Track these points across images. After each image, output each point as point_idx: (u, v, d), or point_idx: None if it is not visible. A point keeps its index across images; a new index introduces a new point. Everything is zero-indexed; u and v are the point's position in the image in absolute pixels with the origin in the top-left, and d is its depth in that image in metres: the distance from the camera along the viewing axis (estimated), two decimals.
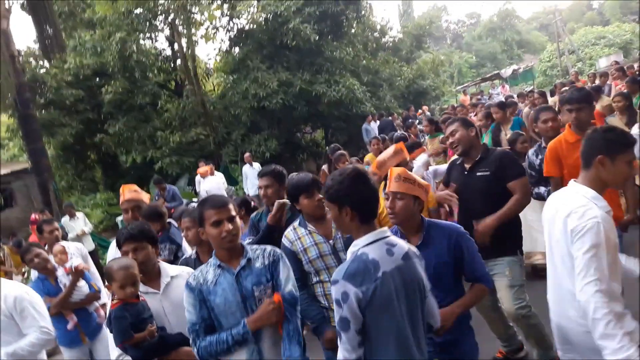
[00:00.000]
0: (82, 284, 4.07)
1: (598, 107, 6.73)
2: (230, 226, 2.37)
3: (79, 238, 9.42)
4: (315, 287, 3.16)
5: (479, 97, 20.54)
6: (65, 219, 10.01)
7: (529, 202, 3.52)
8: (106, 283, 2.71)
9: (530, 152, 4.34)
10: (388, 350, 2.00)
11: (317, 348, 3.26)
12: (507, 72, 29.10)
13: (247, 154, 13.01)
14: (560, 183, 3.67)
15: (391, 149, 3.69)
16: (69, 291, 3.99)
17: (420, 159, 5.23)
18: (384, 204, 3.41)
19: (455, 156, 4.17)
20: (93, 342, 4.19)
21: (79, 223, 10.02)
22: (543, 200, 4.00)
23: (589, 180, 2.28)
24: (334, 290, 2.00)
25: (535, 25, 55.94)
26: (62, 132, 16.19)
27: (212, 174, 11.22)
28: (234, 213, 2.42)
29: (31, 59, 18.46)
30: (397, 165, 3.44)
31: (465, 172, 3.58)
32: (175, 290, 2.75)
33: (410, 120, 13.33)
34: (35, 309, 3.25)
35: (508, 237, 3.44)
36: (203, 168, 11.21)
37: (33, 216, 9.94)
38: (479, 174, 3.45)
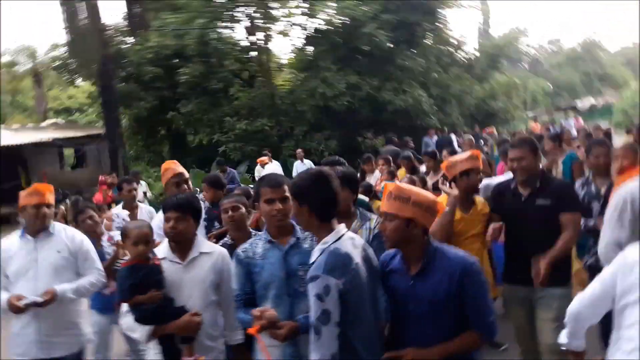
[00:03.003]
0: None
1: None
2: (280, 206, 2.47)
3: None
4: None
5: (548, 127, 19.75)
6: None
7: (577, 239, 3.30)
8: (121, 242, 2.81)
9: (577, 183, 4.27)
10: (362, 333, 2.13)
11: None
12: (584, 105, 27.91)
13: (299, 150, 13.25)
14: None
15: (467, 153, 3.53)
16: (110, 263, 3.88)
17: None
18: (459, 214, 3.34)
19: (503, 177, 4.04)
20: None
21: (140, 190, 10.55)
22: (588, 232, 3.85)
23: None
24: (313, 286, 2.04)
25: (621, 60, 53.14)
26: (138, 105, 17.10)
27: (269, 162, 11.68)
28: (287, 194, 2.47)
29: (118, 35, 19.59)
30: (466, 172, 3.30)
31: (523, 199, 3.35)
32: (199, 266, 2.78)
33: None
34: (94, 253, 3.46)
35: (560, 266, 3.23)
36: (262, 157, 11.72)
37: (101, 177, 10.58)
38: (539, 203, 3.25)
